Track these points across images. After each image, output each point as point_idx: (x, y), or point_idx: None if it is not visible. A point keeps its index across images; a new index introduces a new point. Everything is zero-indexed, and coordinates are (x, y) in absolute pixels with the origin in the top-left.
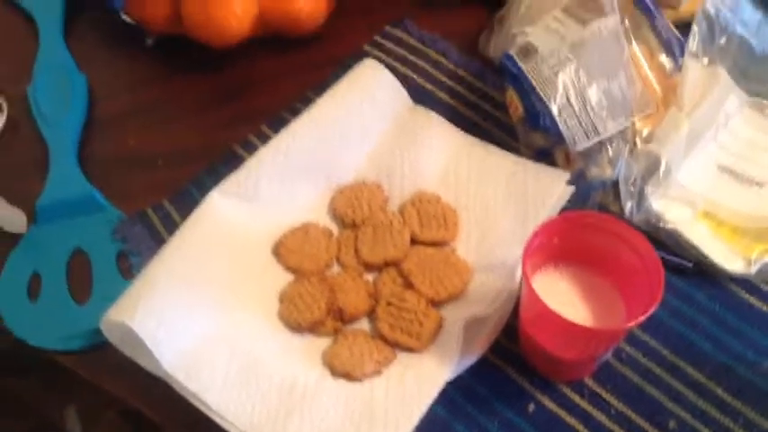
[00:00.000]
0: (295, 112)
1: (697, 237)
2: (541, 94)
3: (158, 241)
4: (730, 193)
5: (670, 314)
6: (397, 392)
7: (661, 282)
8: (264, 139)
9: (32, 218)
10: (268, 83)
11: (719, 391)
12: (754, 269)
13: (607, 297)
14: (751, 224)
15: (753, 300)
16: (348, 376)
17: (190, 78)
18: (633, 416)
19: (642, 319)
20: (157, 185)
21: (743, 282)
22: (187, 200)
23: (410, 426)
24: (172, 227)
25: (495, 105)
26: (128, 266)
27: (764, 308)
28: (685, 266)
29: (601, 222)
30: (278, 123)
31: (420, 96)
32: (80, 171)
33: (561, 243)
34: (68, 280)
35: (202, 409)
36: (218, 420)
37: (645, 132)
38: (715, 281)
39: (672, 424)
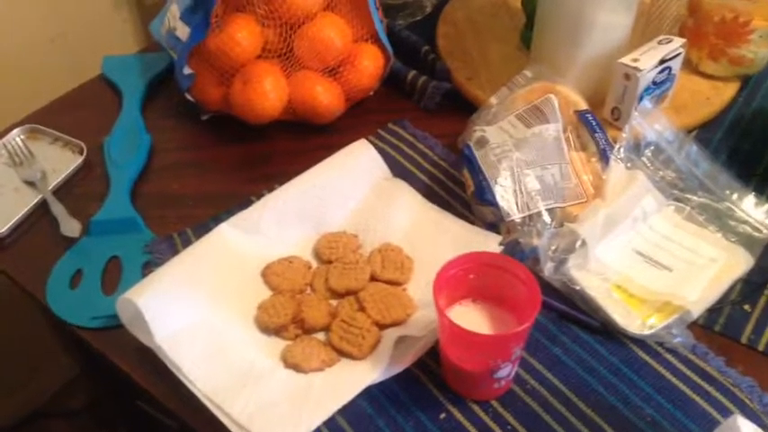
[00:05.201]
0: None
1: (605, 302)
2: (487, 174)
3: None
4: (642, 272)
5: (575, 362)
6: (330, 383)
7: (537, 298)
8: None
9: (86, 230)
10: (288, 156)
11: (605, 426)
12: (649, 332)
13: (510, 326)
14: (655, 298)
15: (646, 357)
16: (296, 368)
17: (229, 146)
18: None
19: (520, 330)
20: (185, 218)
21: (640, 342)
22: (205, 230)
23: (334, 407)
24: None
25: (461, 187)
26: (150, 273)
27: (654, 364)
28: (593, 325)
29: (496, 261)
30: None
31: (404, 175)
32: (129, 201)
33: (477, 279)
34: (102, 277)
35: (178, 375)
36: (187, 384)
37: (574, 216)
38: (618, 340)
39: None
